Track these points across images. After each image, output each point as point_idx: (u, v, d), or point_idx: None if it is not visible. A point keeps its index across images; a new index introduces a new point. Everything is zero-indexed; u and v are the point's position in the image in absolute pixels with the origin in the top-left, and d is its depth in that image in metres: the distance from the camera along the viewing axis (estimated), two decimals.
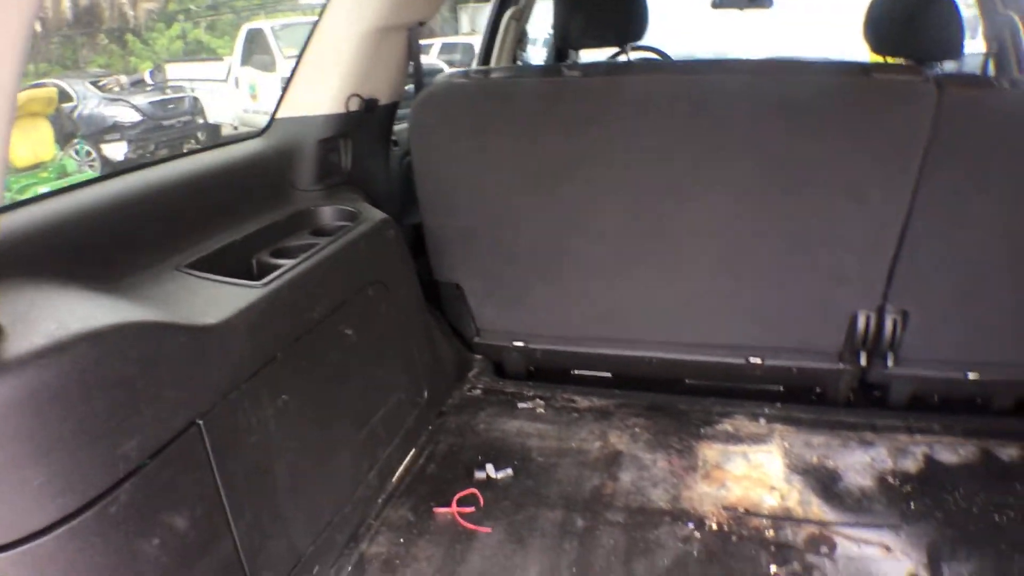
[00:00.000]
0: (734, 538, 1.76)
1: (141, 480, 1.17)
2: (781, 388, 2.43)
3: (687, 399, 2.35)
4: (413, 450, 2.06)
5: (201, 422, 1.30)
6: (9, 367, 1.02)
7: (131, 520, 1.15)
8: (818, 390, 2.43)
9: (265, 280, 1.57)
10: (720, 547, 1.73)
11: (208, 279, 1.52)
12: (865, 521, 1.83)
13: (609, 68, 2.18)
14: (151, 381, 1.20)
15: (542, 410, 2.29)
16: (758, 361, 2.32)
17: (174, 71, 16.56)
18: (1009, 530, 1.81)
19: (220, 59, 17.10)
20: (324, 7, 2.08)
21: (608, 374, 2.52)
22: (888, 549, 1.74)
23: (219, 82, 15.13)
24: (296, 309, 1.62)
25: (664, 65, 3.18)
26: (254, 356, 1.45)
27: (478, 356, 2.54)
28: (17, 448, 1.03)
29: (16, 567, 1.04)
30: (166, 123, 13.77)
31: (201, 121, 14.61)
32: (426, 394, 2.18)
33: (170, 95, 14.36)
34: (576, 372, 2.55)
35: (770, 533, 1.77)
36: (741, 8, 4.18)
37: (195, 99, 14.57)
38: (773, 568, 1.66)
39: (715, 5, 4.12)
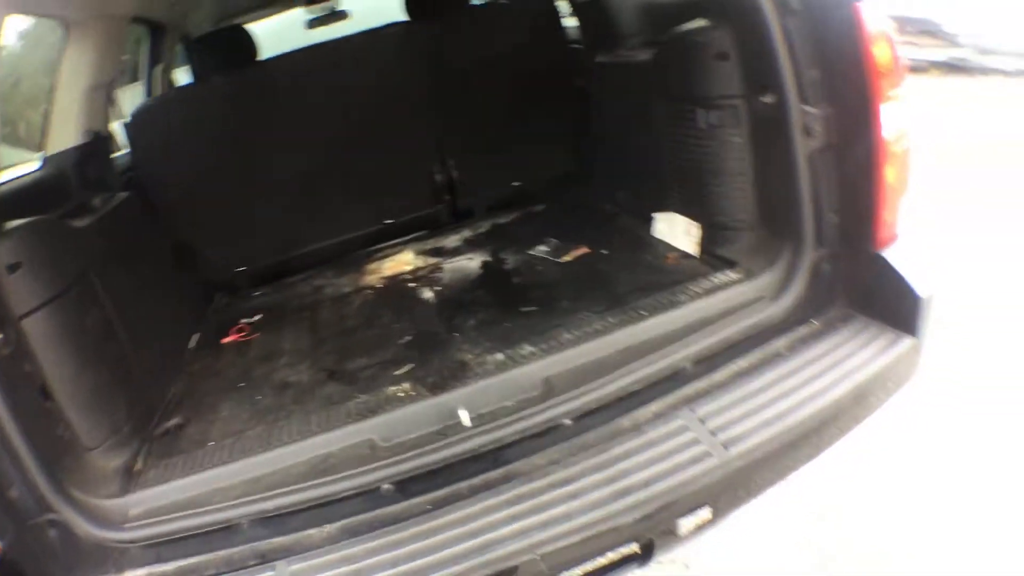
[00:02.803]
0: (392, 284, 3.27)
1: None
2: (411, 235, 3.94)
3: (356, 254, 3.81)
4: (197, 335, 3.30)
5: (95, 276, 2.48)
6: None
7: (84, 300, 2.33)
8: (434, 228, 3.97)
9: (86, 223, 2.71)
10: (384, 291, 3.23)
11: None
12: (459, 254, 3.42)
13: (242, 75, 3.53)
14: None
15: (270, 290, 3.68)
16: (391, 221, 3.82)
17: None
18: (540, 227, 3.48)
19: None
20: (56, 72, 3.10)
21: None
22: (471, 259, 3.33)
23: None
24: (114, 235, 2.79)
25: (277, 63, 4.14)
26: (105, 254, 2.62)
27: (218, 291, 3.78)
28: None
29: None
30: None
31: None
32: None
33: None
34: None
35: (410, 276, 3.30)
36: (328, 24, 5.71)
37: None
38: (412, 284, 3.18)
39: (308, 26, 5.60)
